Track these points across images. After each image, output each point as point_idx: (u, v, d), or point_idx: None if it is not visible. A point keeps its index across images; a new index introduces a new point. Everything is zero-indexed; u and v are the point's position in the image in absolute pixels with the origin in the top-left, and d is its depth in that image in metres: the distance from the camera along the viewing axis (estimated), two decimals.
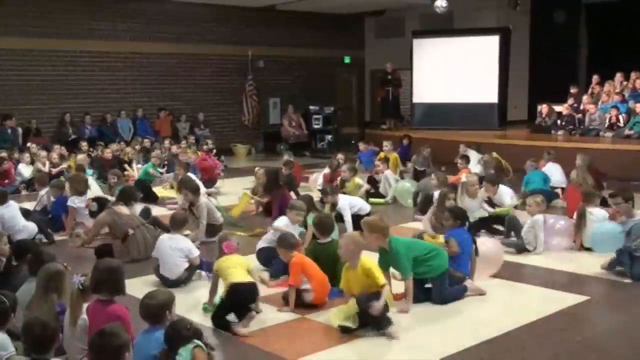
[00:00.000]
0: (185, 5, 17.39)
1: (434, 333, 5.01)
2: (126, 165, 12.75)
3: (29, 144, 13.54)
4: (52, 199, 8.64)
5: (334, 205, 8.16)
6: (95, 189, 9.53)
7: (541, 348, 4.70)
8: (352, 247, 5.13)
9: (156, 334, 3.87)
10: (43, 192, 8.84)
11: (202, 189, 8.94)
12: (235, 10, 18.18)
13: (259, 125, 19.11)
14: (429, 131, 16.27)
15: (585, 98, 15.38)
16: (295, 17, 19.23)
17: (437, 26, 18.39)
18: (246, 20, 18.52)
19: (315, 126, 18.69)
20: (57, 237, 8.07)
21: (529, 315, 5.26)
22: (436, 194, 8.15)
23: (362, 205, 8.27)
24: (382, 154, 12.25)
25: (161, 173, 12.22)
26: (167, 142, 14.91)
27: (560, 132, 14.98)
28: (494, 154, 11.10)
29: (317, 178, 10.91)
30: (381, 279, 4.99)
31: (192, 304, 5.60)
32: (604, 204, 7.88)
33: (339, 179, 10.00)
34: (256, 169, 10.24)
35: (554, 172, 10.08)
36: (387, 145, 11.99)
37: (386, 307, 4.92)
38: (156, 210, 9.15)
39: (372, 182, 10.86)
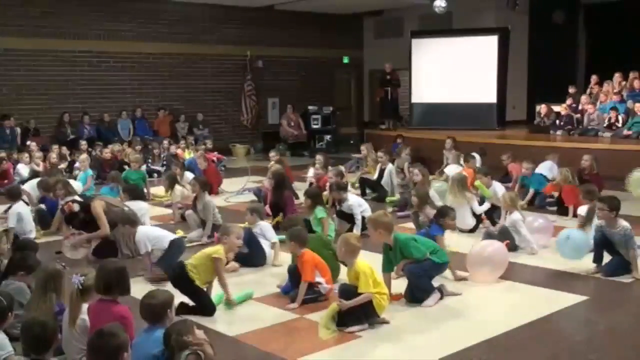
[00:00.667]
0: (184, 5, 17.39)
1: (433, 333, 5.01)
2: (125, 166, 12.73)
3: (29, 143, 13.52)
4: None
5: (339, 202, 8.18)
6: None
7: (541, 348, 4.70)
8: (343, 248, 5.15)
9: (156, 333, 3.87)
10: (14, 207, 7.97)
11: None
12: (234, 10, 18.18)
13: (257, 125, 19.11)
14: (428, 131, 16.27)
15: (583, 98, 15.40)
16: (294, 17, 19.24)
17: (436, 26, 18.40)
18: (245, 20, 18.52)
19: (314, 126, 18.71)
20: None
21: (529, 315, 5.26)
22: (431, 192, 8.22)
23: (366, 207, 8.31)
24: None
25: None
26: (165, 142, 14.91)
27: (559, 132, 14.99)
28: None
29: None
30: (365, 286, 4.95)
31: None
32: None
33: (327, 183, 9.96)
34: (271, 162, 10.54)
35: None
36: (381, 156, 11.88)
37: (368, 311, 4.96)
38: (156, 211, 9.16)
39: (364, 183, 11.00)
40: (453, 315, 5.36)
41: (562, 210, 9.00)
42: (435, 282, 5.72)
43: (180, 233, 8.03)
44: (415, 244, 5.59)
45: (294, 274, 5.78)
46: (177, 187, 9.42)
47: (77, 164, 12.20)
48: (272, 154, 11.67)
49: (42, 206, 8.71)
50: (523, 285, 6.14)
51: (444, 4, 16.04)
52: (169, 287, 5.34)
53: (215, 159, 13.77)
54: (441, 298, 5.61)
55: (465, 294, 5.72)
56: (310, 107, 18.81)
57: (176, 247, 6.53)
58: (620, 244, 6.21)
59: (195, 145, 15.11)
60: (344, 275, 5.50)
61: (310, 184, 10.33)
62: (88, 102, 16.22)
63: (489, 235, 7.15)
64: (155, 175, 13.57)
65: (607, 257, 6.41)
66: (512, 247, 7.01)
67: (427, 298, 5.54)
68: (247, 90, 18.58)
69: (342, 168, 10.66)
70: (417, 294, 5.57)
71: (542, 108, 15.90)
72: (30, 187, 9.48)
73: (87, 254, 7.16)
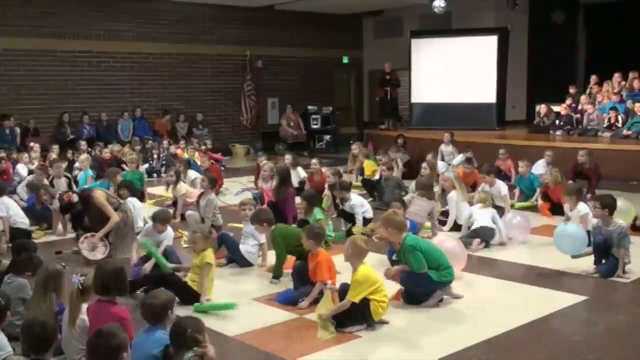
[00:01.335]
0: (184, 5, 17.38)
1: (433, 333, 5.01)
2: (124, 166, 12.72)
3: (32, 145, 13.52)
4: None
5: (342, 201, 8.20)
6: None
7: (541, 348, 4.70)
8: (350, 250, 5.13)
9: (156, 333, 3.87)
10: None
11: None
12: (234, 10, 18.18)
13: (257, 125, 19.11)
14: (427, 131, 16.28)
15: (583, 98, 15.40)
16: (293, 17, 19.24)
17: (436, 26, 18.40)
18: (245, 20, 18.52)
19: (314, 126, 18.71)
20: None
21: (529, 315, 5.27)
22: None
23: (368, 207, 8.32)
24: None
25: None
26: (165, 142, 14.91)
27: (558, 132, 14.99)
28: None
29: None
30: (351, 295, 4.93)
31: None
32: None
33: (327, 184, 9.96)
34: (263, 161, 10.37)
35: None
36: (380, 158, 11.95)
37: (365, 314, 4.97)
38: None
39: (366, 183, 11.02)
40: (453, 315, 5.37)
41: (556, 210, 8.93)
42: None
43: (181, 233, 8.05)
44: (418, 255, 5.42)
45: (301, 272, 5.78)
46: (182, 184, 9.44)
47: (76, 164, 12.20)
48: (287, 157, 11.44)
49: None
50: (522, 285, 6.15)
51: (443, 4, 16.04)
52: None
53: (216, 159, 13.81)
54: (441, 300, 5.60)
55: (465, 294, 5.72)
56: (310, 107, 18.82)
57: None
58: (615, 242, 6.21)
59: (195, 146, 15.11)
60: (344, 276, 5.50)
61: (303, 183, 10.35)
62: (88, 102, 16.22)
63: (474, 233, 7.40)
64: (155, 175, 13.58)
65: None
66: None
67: (428, 299, 5.54)
68: (246, 90, 18.58)
69: (340, 168, 10.69)
70: (416, 297, 5.56)
71: (541, 108, 15.90)
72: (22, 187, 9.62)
73: (105, 252, 7.14)
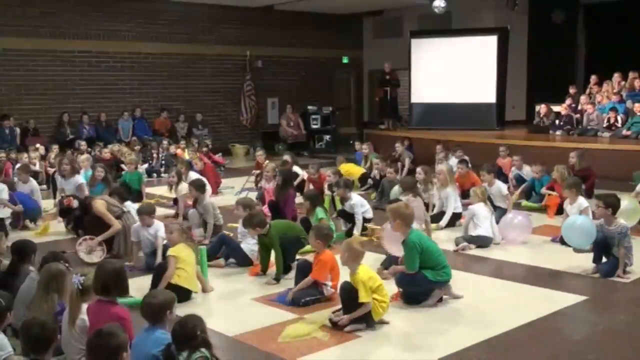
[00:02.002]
0: (183, 5, 17.38)
1: (433, 333, 5.01)
2: (123, 166, 12.72)
3: (38, 146, 13.51)
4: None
5: (342, 200, 8.21)
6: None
7: (541, 348, 4.70)
8: (346, 253, 5.12)
9: (156, 333, 3.87)
10: None
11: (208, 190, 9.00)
12: (234, 10, 18.18)
13: (257, 125, 19.11)
14: (427, 131, 16.28)
15: (583, 98, 15.40)
16: (293, 17, 19.24)
17: (436, 26, 18.41)
18: (244, 20, 18.52)
19: (314, 126, 18.71)
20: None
21: (529, 315, 5.27)
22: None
23: (368, 208, 8.32)
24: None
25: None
26: (165, 142, 14.91)
27: (558, 132, 15.00)
28: None
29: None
30: (364, 296, 4.92)
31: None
32: None
33: (326, 184, 9.95)
34: (266, 162, 10.33)
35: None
36: (377, 162, 11.99)
37: (365, 314, 4.96)
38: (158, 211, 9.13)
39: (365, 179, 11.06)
40: (453, 315, 5.36)
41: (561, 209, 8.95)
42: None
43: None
44: (415, 255, 5.40)
45: (304, 270, 5.78)
46: (183, 184, 9.45)
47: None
48: (286, 156, 11.47)
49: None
50: (523, 285, 6.15)
51: (443, 4, 16.05)
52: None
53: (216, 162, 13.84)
54: (441, 299, 5.60)
55: (465, 294, 5.72)
56: (309, 107, 18.81)
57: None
58: (616, 242, 6.22)
59: (195, 146, 15.10)
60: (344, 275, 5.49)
61: (301, 183, 10.33)
62: (87, 102, 16.22)
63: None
64: (155, 175, 13.58)
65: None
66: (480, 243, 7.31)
67: (427, 299, 5.54)
68: (246, 90, 18.58)
69: (339, 168, 10.71)
70: (415, 297, 5.55)
71: (541, 108, 15.91)
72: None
73: (102, 257, 7.14)
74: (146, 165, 13.70)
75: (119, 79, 16.81)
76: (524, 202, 9.65)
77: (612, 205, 6.27)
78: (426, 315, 5.34)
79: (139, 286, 5.75)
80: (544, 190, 9.37)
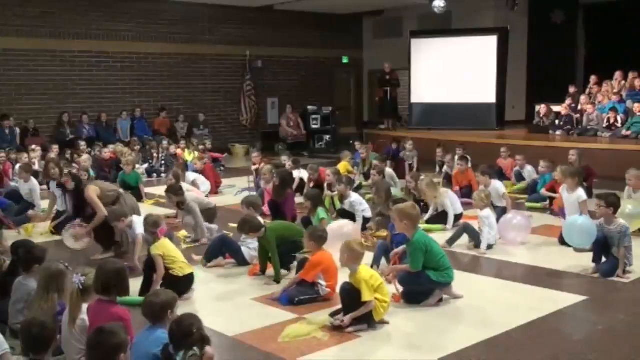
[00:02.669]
0: (183, 5, 17.39)
1: (433, 333, 5.01)
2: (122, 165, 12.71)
3: (32, 147, 13.50)
4: None
5: (342, 197, 8.22)
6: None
7: (540, 348, 4.70)
8: (346, 254, 5.11)
9: (157, 332, 3.87)
10: None
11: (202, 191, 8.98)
12: (234, 10, 18.18)
13: (257, 125, 19.11)
14: (427, 131, 16.28)
15: (583, 98, 15.41)
16: (293, 17, 19.24)
17: (435, 26, 18.41)
18: (244, 20, 18.53)
19: (314, 126, 18.71)
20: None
21: (528, 315, 5.26)
22: None
23: (367, 207, 8.33)
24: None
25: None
26: (165, 142, 14.91)
27: (558, 132, 15.01)
28: None
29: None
30: (367, 295, 4.92)
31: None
32: None
33: (325, 183, 9.94)
34: (262, 165, 10.33)
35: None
36: (363, 151, 12.00)
37: (366, 314, 4.96)
38: (158, 211, 9.16)
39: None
40: (453, 315, 5.36)
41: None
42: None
43: (184, 233, 8.05)
44: (419, 255, 5.40)
45: (303, 267, 5.80)
46: (182, 185, 9.43)
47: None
48: (283, 158, 11.48)
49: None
50: (523, 285, 6.15)
51: (443, 4, 16.05)
52: None
53: (215, 158, 13.82)
54: (441, 300, 5.60)
55: (465, 294, 5.72)
56: (309, 107, 18.81)
57: None
58: (615, 242, 6.22)
59: (194, 146, 15.10)
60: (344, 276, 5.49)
61: (302, 184, 10.33)
62: (87, 102, 16.22)
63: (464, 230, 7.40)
64: (155, 175, 13.57)
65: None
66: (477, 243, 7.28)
67: (428, 299, 5.54)
68: (246, 90, 18.59)
69: (338, 167, 10.70)
70: (416, 297, 5.56)
71: (541, 108, 15.92)
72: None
73: (86, 246, 7.18)
74: (146, 165, 13.71)
75: (119, 79, 16.81)
76: (528, 204, 9.63)
77: (613, 204, 6.28)
78: (426, 315, 5.34)
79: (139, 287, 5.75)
80: (543, 191, 9.36)
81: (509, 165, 11.39)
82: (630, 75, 15.52)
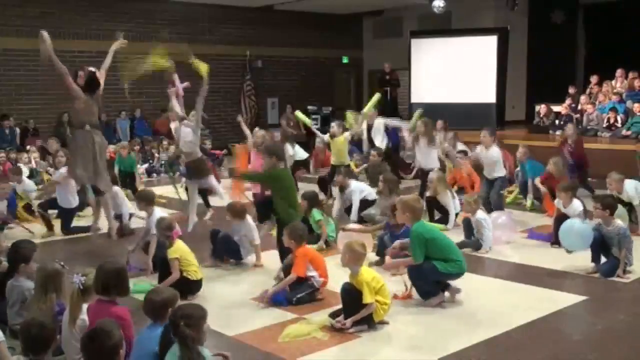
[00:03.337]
0: (184, 5, 17.39)
1: (433, 333, 5.01)
2: None
3: (28, 147, 13.50)
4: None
5: (342, 187, 8.27)
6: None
7: (540, 348, 4.70)
8: (347, 255, 5.11)
9: (157, 331, 3.85)
10: None
11: None
12: (234, 10, 18.18)
13: (257, 125, 19.09)
14: None
15: (583, 98, 15.40)
16: (293, 17, 19.25)
17: (435, 26, 18.42)
18: (244, 20, 18.53)
19: (314, 126, 18.68)
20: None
21: (528, 315, 5.27)
22: None
23: (369, 191, 8.38)
24: None
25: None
26: (165, 142, 14.91)
27: (558, 132, 14.97)
28: None
29: None
30: (368, 297, 4.92)
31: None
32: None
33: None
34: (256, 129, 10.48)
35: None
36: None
37: (368, 321, 4.98)
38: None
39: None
40: (453, 315, 5.37)
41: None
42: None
43: None
44: (415, 245, 5.42)
45: (290, 267, 5.79)
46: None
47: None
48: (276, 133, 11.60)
49: None
50: (522, 285, 6.15)
51: (443, 4, 16.06)
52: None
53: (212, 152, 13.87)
54: (443, 300, 5.60)
55: (464, 294, 5.72)
56: (309, 107, 18.79)
57: None
58: (615, 243, 6.23)
59: None
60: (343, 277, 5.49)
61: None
62: None
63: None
64: (155, 175, 13.57)
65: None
66: (477, 246, 7.29)
67: (431, 298, 5.54)
68: (246, 90, 18.59)
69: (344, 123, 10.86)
70: (420, 294, 5.59)
71: (541, 108, 15.91)
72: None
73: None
74: (146, 165, 13.71)
75: (119, 79, 16.74)
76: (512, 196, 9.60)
77: (610, 206, 6.29)
78: (426, 316, 5.35)
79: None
80: (537, 182, 9.25)
81: (508, 160, 10.92)
82: (630, 75, 15.52)
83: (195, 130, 8.11)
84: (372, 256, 6.96)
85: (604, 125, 14.48)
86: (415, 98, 17.86)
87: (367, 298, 4.92)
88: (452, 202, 8.35)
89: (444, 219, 8.32)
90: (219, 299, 5.86)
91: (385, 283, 5.16)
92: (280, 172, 6.34)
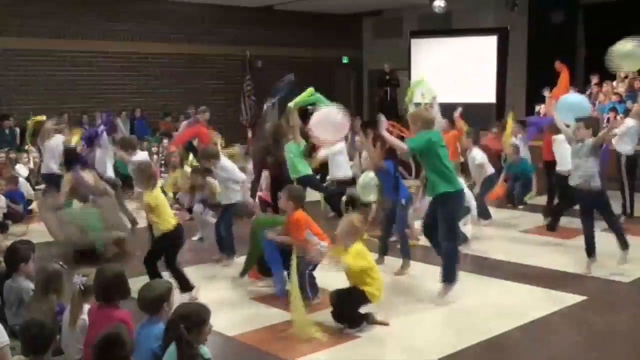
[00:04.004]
0: (184, 5, 17.39)
1: (433, 333, 5.02)
2: None
3: (27, 147, 13.49)
4: None
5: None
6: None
7: (540, 348, 4.70)
8: (345, 228, 5.07)
9: (154, 329, 3.81)
10: None
11: None
12: (233, 10, 18.18)
13: (257, 125, 19.09)
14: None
15: None
16: (293, 17, 19.24)
17: (435, 26, 18.40)
18: (244, 20, 18.52)
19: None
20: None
21: (528, 315, 5.27)
22: None
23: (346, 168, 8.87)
24: None
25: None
26: (165, 141, 14.89)
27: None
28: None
29: None
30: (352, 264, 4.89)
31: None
32: None
33: None
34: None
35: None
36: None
37: (362, 301, 4.96)
38: None
39: None
40: (452, 315, 5.37)
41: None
42: (436, 281, 5.72)
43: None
44: (421, 139, 5.52)
45: (282, 251, 5.69)
46: (184, 169, 9.45)
47: None
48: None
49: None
50: (522, 285, 6.15)
51: (443, 4, 16.04)
52: None
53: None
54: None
55: (465, 294, 5.72)
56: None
57: None
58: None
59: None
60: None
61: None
62: (88, 102, 16.21)
63: None
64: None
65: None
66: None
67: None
68: (246, 91, 18.57)
69: None
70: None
71: (541, 108, 15.89)
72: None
73: None
74: None
75: (119, 79, 16.80)
76: (529, 196, 9.48)
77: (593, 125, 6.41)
78: (426, 316, 5.35)
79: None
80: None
81: (499, 147, 10.54)
82: (630, 75, 15.52)
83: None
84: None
85: (604, 125, 14.47)
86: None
87: (357, 262, 4.89)
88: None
89: None
90: (219, 299, 5.86)
91: (375, 265, 5.15)
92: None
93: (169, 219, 5.75)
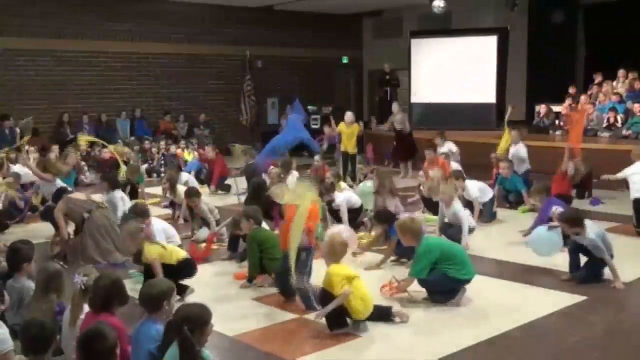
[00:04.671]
0: (183, 5, 17.40)
1: (433, 333, 5.01)
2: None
3: (27, 148, 13.48)
4: None
5: (329, 203, 8.24)
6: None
7: (540, 348, 4.70)
8: (326, 248, 5.12)
9: (152, 330, 3.81)
10: None
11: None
12: (234, 10, 18.19)
13: (257, 125, 19.10)
14: (427, 131, 16.24)
15: (582, 98, 15.40)
16: (293, 17, 19.25)
17: (435, 26, 18.41)
18: (244, 21, 18.53)
19: (314, 126, 18.67)
20: None
21: (528, 315, 5.27)
22: None
23: (355, 200, 8.40)
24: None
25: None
26: (164, 142, 14.92)
27: (558, 132, 15.00)
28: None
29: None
30: (337, 288, 4.87)
31: None
32: None
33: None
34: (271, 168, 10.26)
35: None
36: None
37: (337, 315, 4.94)
38: (155, 211, 9.15)
39: None
40: (452, 315, 5.37)
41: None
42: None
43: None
44: (422, 261, 5.51)
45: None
46: (179, 187, 9.42)
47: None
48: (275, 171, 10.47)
49: None
50: (522, 285, 6.15)
51: (443, 4, 16.05)
52: None
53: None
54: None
55: (465, 294, 5.71)
56: (309, 107, 18.80)
57: None
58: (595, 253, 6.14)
59: (194, 147, 15.10)
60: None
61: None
62: (87, 102, 16.22)
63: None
64: (155, 175, 13.58)
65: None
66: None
67: (452, 298, 5.60)
68: (246, 90, 18.58)
69: (340, 170, 10.71)
70: (441, 296, 5.62)
71: (541, 108, 15.92)
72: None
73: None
74: (146, 165, 13.72)
75: (119, 79, 16.81)
76: (522, 208, 9.50)
77: (573, 220, 6.15)
78: (426, 316, 5.35)
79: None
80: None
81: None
82: (630, 75, 15.53)
83: None
84: (373, 258, 6.98)
85: (604, 125, 14.49)
86: (415, 98, 17.86)
87: (336, 289, 4.87)
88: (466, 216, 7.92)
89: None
90: (219, 299, 5.86)
91: (358, 275, 5.11)
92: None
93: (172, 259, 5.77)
